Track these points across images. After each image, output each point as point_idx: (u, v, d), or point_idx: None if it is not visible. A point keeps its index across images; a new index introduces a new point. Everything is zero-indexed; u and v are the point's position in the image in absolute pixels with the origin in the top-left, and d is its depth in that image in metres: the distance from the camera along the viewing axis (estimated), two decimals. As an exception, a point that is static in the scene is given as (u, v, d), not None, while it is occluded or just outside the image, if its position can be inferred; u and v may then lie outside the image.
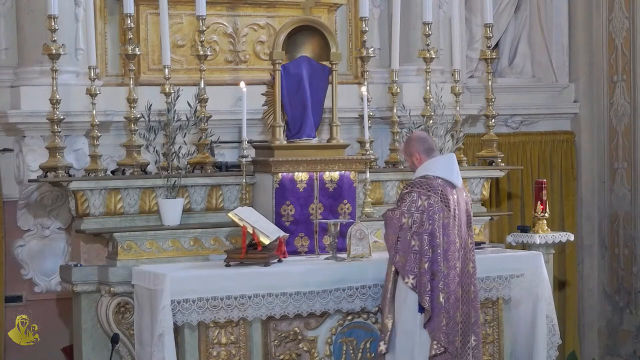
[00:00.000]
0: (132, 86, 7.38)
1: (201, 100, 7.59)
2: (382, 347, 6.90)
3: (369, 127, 7.93)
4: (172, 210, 7.32)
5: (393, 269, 6.86)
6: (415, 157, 7.00)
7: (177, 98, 7.41)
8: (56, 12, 7.19)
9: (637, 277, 9.45)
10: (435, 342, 6.75)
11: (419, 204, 6.80)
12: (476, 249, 7.75)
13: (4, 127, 7.72)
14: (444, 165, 6.96)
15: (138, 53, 7.46)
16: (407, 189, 6.91)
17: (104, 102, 7.56)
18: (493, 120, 8.51)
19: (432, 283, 6.74)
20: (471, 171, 8.34)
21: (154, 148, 7.34)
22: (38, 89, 7.47)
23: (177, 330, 6.78)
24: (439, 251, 6.77)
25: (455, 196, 6.91)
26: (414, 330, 6.81)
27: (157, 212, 7.37)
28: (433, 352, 6.76)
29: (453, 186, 6.93)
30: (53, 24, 7.18)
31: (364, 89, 7.93)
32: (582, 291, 9.88)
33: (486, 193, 8.42)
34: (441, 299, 6.74)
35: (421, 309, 6.79)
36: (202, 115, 7.57)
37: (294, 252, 7.39)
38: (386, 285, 6.91)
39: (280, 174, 7.42)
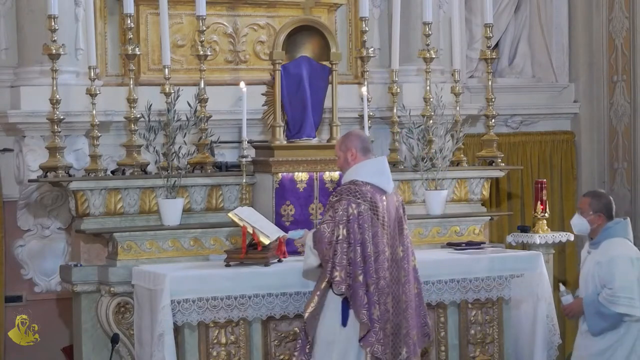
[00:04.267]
0: (132, 86, 7.38)
1: (201, 100, 7.59)
2: (299, 358, 6.64)
3: (369, 127, 7.92)
4: (172, 210, 7.32)
5: (323, 284, 6.55)
6: (350, 153, 6.69)
7: (177, 98, 7.41)
8: (56, 12, 7.19)
9: (637, 277, 9.43)
10: (370, 356, 6.47)
11: (350, 212, 6.49)
12: (476, 248, 7.78)
13: (4, 127, 7.72)
14: (375, 170, 6.67)
15: (138, 53, 7.46)
16: (336, 196, 6.58)
17: (104, 102, 7.56)
18: (493, 120, 8.51)
19: (367, 296, 6.46)
20: (471, 171, 8.34)
21: (154, 148, 7.34)
22: (38, 89, 7.47)
23: (177, 330, 6.78)
24: (370, 262, 6.50)
25: (385, 203, 6.61)
26: (333, 342, 6.53)
27: (157, 212, 7.37)
28: None
29: (383, 192, 6.64)
30: (53, 24, 7.18)
31: (364, 89, 7.93)
32: (582, 291, 9.86)
33: (486, 193, 8.41)
34: (377, 312, 6.47)
35: (344, 322, 6.51)
36: (202, 115, 7.57)
37: (294, 252, 7.37)
38: (312, 297, 6.60)
39: (280, 174, 7.42)
